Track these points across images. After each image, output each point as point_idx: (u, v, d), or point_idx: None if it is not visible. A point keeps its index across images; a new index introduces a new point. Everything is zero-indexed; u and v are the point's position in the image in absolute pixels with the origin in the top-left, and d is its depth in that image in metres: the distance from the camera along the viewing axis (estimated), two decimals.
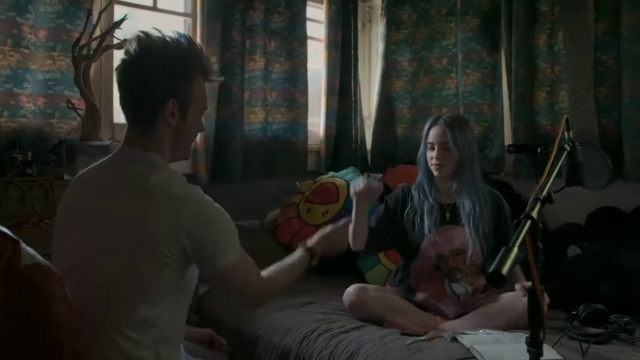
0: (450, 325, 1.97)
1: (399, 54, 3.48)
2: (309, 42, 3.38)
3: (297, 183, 3.11)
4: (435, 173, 2.13)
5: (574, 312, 1.95)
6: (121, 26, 2.42)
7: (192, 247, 1.24)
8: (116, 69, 1.30)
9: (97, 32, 2.46)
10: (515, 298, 1.94)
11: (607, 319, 1.90)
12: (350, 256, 2.73)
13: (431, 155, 2.12)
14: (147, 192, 1.23)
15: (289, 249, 2.82)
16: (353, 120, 3.59)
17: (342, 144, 3.56)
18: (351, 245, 2.12)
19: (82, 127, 2.42)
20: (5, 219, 1.99)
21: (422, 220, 2.10)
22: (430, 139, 2.13)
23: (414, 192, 2.18)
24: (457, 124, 2.11)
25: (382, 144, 3.51)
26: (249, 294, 1.39)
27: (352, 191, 2.15)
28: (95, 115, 2.41)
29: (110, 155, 1.37)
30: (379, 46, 3.58)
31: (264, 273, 1.43)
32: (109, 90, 2.65)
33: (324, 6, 3.47)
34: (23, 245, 1.09)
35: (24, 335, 1.03)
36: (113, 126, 2.71)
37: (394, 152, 3.46)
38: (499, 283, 0.88)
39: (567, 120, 1.42)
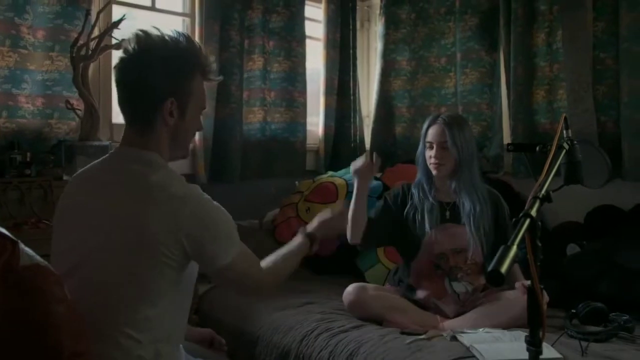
0: (450, 324, 1.97)
1: (397, 53, 3.48)
2: (308, 41, 3.38)
3: (296, 183, 3.11)
4: (434, 172, 2.13)
5: (574, 311, 1.96)
6: (119, 26, 2.42)
7: (191, 247, 1.24)
8: (115, 67, 1.30)
9: (96, 32, 2.45)
10: (514, 297, 1.95)
11: (606, 317, 1.91)
12: (349, 256, 2.74)
13: (430, 154, 2.12)
14: (146, 191, 1.23)
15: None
16: (352, 120, 3.59)
17: (341, 144, 3.56)
18: (349, 237, 2.12)
19: (81, 128, 2.42)
20: (4, 220, 1.99)
21: (422, 218, 2.10)
22: (429, 138, 2.13)
23: (414, 191, 2.18)
24: (456, 123, 2.11)
25: (381, 143, 3.51)
26: (249, 287, 1.41)
27: (352, 168, 2.13)
28: (94, 115, 2.40)
29: (109, 154, 1.37)
30: (377, 45, 3.58)
31: (264, 263, 1.44)
32: (108, 90, 2.65)
33: (322, 5, 3.47)
34: (22, 245, 1.08)
35: (24, 336, 1.03)
36: (112, 126, 2.71)
37: (392, 151, 3.45)
38: (498, 282, 0.88)
39: (565, 119, 1.42)
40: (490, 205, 2.13)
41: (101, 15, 2.50)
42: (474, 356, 1.64)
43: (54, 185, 2.20)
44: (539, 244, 1.06)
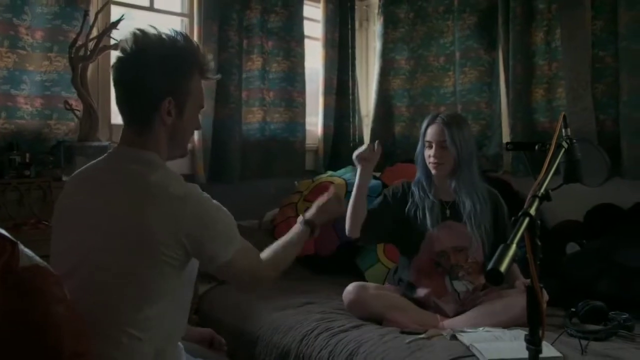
0: (449, 323, 1.97)
1: (396, 52, 3.48)
2: (306, 41, 3.38)
3: (296, 182, 3.11)
4: (433, 171, 2.13)
5: (573, 309, 1.96)
6: (118, 26, 2.42)
7: (191, 246, 1.24)
8: (112, 66, 1.30)
9: (94, 33, 2.45)
10: (514, 296, 1.95)
11: (606, 316, 1.91)
12: (349, 255, 2.74)
13: (429, 153, 2.12)
14: (145, 191, 1.23)
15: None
16: (351, 119, 3.59)
17: (340, 143, 3.56)
18: (347, 229, 2.13)
19: (80, 128, 2.42)
20: (4, 221, 1.99)
21: (424, 216, 2.10)
22: (428, 137, 2.13)
23: (414, 189, 2.18)
24: (455, 122, 2.11)
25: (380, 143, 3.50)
26: (249, 282, 1.41)
27: (355, 154, 2.12)
28: (92, 116, 2.40)
29: (107, 153, 1.36)
30: (376, 45, 3.58)
31: (264, 255, 1.45)
32: (107, 90, 2.64)
33: (321, 5, 3.47)
34: (21, 246, 1.08)
35: (24, 337, 1.03)
36: (111, 127, 2.71)
37: (392, 150, 3.46)
38: (497, 280, 0.88)
39: (564, 117, 1.42)
40: (489, 205, 2.13)
41: (99, 16, 2.49)
42: (473, 355, 1.64)
43: (53, 186, 2.20)
44: (539, 243, 1.06)
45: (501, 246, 0.93)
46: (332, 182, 2.95)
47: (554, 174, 1.20)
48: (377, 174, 3.03)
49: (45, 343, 1.05)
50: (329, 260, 2.80)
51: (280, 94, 3.26)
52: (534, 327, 1.05)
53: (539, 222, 1.06)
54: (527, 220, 1.00)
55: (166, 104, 1.27)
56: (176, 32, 1.30)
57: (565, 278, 2.26)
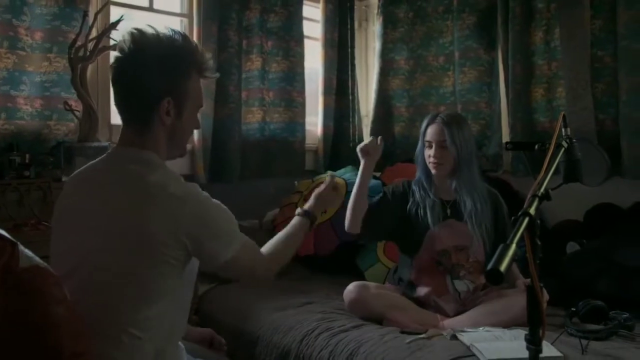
0: (450, 323, 1.97)
1: (395, 52, 3.48)
2: (306, 41, 3.38)
3: (296, 182, 3.11)
4: (434, 171, 2.13)
5: (574, 309, 1.96)
6: (117, 27, 2.42)
7: (192, 246, 1.25)
8: (110, 66, 1.30)
9: (94, 34, 2.45)
10: (514, 295, 1.95)
11: (606, 316, 1.91)
12: (349, 255, 2.74)
13: (429, 153, 2.12)
14: (144, 192, 1.22)
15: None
16: (351, 119, 3.59)
17: (340, 143, 3.56)
18: (347, 224, 2.13)
19: (80, 129, 2.42)
20: (4, 221, 1.99)
21: (425, 214, 2.10)
22: (428, 137, 2.13)
23: (415, 188, 2.18)
24: (455, 122, 2.11)
25: None
26: (251, 278, 1.44)
27: (359, 148, 2.13)
28: (92, 116, 2.40)
29: (106, 154, 1.36)
30: (375, 45, 3.58)
31: (266, 249, 1.46)
32: (106, 91, 2.64)
33: (320, 5, 3.47)
34: (21, 247, 1.08)
35: (23, 337, 1.03)
36: (111, 127, 2.71)
37: (392, 150, 3.45)
38: (497, 280, 0.88)
39: (564, 117, 1.42)
40: (489, 204, 2.14)
41: (99, 17, 2.49)
42: (474, 355, 1.64)
43: (53, 186, 2.20)
44: (538, 243, 1.06)
45: (501, 246, 0.92)
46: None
47: (554, 173, 1.20)
48: (377, 174, 3.03)
49: (45, 343, 1.05)
50: (329, 260, 2.80)
51: (280, 94, 3.26)
52: (534, 326, 1.05)
53: (538, 221, 1.06)
54: (526, 219, 1.00)
55: (165, 104, 1.27)
56: (174, 31, 1.30)
57: (565, 277, 2.26)
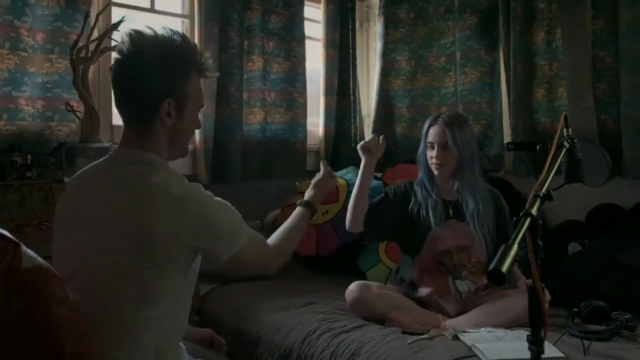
0: (451, 323, 1.97)
1: (397, 53, 3.48)
2: (307, 42, 3.38)
3: (297, 183, 3.11)
4: (436, 172, 2.13)
5: (576, 310, 1.95)
6: (119, 28, 2.42)
7: (198, 246, 1.26)
8: (110, 68, 1.31)
9: (95, 34, 2.46)
10: (516, 296, 1.95)
11: (608, 316, 1.90)
12: (350, 255, 2.74)
13: (431, 154, 2.13)
14: (147, 193, 1.23)
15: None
16: (352, 120, 3.59)
17: (341, 144, 3.56)
18: (348, 223, 2.13)
19: (81, 130, 2.42)
20: (6, 222, 1.99)
21: (427, 215, 2.10)
22: (430, 138, 2.13)
23: (417, 188, 2.18)
24: (457, 122, 2.11)
25: None
26: (257, 269, 1.48)
27: (360, 145, 2.13)
28: (94, 117, 2.41)
29: (108, 155, 1.37)
30: (377, 45, 3.58)
31: (271, 241, 1.50)
32: (108, 92, 2.65)
33: (321, 6, 3.47)
34: (23, 247, 1.09)
35: (25, 337, 1.04)
36: (112, 128, 2.71)
37: (393, 151, 3.45)
38: (499, 281, 0.88)
39: (565, 117, 1.42)
40: (491, 205, 2.14)
41: (100, 17, 2.50)
42: (475, 356, 1.64)
43: (54, 187, 2.20)
44: (540, 243, 1.06)
45: (503, 246, 0.92)
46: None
47: (556, 174, 1.20)
48: (379, 174, 3.03)
49: (46, 343, 1.05)
50: (330, 261, 2.81)
51: (281, 95, 3.26)
52: (536, 327, 1.05)
53: (540, 222, 1.06)
54: (528, 220, 1.00)
55: (166, 105, 1.27)
56: (173, 31, 1.30)
57: (567, 278, 2.26)
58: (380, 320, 2.02)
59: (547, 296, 1.70)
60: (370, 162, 2.12)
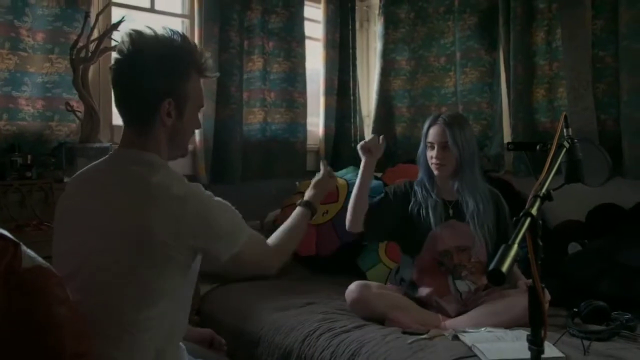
0: (451, 323, 1.97)
1: (397, 53, 3.48)
2: (307, 41, 3.38)
3: (297, 183, 3.11)
4: (436, 172, 2.13)
5: (575, 310, 1.95)
6: (119, 28, 2.42)
7: (198, 246, 1.26)
8: (110, 68, 1.31)
9: (95, 34, 2.46)
10: (516, 296, 1.95)
11: (608, 316, 1.90)
12: (350, 255, 2.74)
13: (431, 154, 2.13)
14: (147, 193, 1.23)
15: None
16: (352, 120, 3.59)
17: (341, 143, 3.56)
18: (348, 223, 2.13)
19: (81, 130, 2.42)
20: (6, 222, 1.99)
21: (427, 215, 2.10)
22: (430, 138, 2.13)
23: (417, 188, 2.18)
24: (457, 122, 2.11)
25: None
26: (257, 269, 1.50)
27: (360, 145, 2.13)
28: (94, 117, 2.41)
29: (108, 155, 1.37)
30: (377, 45, 3.58)
31: (271, 241, 1.51)
32: (108, 92, 2.65)
33: (321, 6, 3.47)
34: (23, 247, 1.09)
35: (25, 337, 1.04)
36: (112, 128, 2.71)
37: (393, 151, 3.45)
38: (499, 281, 0.88)
39: (565, 117, 1.42)
40: (491, 205, 2.14)
41: (100, 17, 2.50)
42: (475, 356, 1.64)
43: (54, 187, 2.20)
44: (540, 243, 1.06)
45: (503, 246, 0.92)
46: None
47: (556, 174, 1.20)
48: (379, 174, 3.03)
49: (46, 343, 1.05)
50: (330, 261, 2.81)
51: (281, 95, 3.26)
52: (536, 327, 1.05)
53: (540, 222, 1.06)
54: (528, 220, 1.00)
55: (166, 105, 1.27)
56: (172, 31, 1.30)
57: (567, 278, 2.26)
58: (380, 320, 2.02)
59: (547, 296, 1.70)
60: (370, 162, 2.12)
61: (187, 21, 3.05)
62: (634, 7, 2.47)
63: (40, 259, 1.11)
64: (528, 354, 1.06)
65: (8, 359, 1.02)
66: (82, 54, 2.36)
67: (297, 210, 1.66)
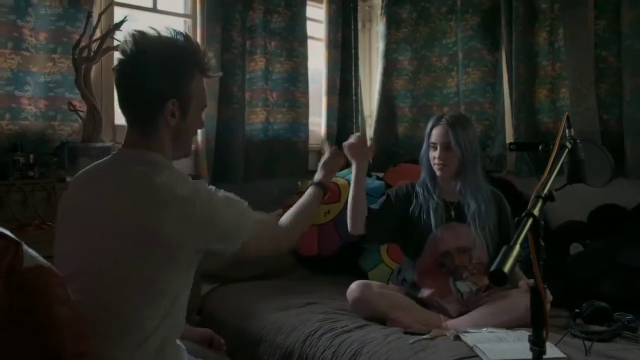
0: (453, 323, 1.97)
1: (399, 52, 3.48)
2: (309, 41, 3.38)
3: (299, 183, 3.11)
4: (438, 173, 2.13)
5: (577, 310, 1.95)
6: (121, 28, 2.43)
7: (203, 246, 1.26)
8: (113, 68, 1.31)
9: (97, 34, 2.46)
10: (517, 296, 1.94)
11: (610, 317, 1.90)
12: (352, 256, 2.74)
13: (434, 155, 2.12)
14: (151, 193, 1.22)
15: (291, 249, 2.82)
16: (354, 120, 3.59)
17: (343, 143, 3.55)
18: (349, 226, 2.13)
19: (84, 129, 2.42)
20: (8, 222, 1.99)
21: (428, 217, 2.10)
22: (433, 138, 2.13)
23: (419, 190, 2.18)
24: (459, 123, 2.11)
25: (383, 143, 3.50)
26: (267, 253, 1.47)
27: (345, 150, 2.12)
28: (96, 117, 2.41)
29: (111, 155, 1.37)
30: (379, 45, 3.58)
31: (284, 220, 1.53)
32: (110, 91, 2.65)
33: (323, 6, 3.47)
34: (25, 247, 1.09)
35: (26, 337, 1.04)
36: (114, 128, 2.71)
37: (395, 151, 3.46)
38: (501, 281, 0.88)
39: (568, 117, 1.42)
40: (493, 206, 2.13)
41: (103, 17, 2.50)
42: (477, 356, 1.63)
43: (57, 187, 2.21)
44: (542, 244, 1.05)
45: (504, 247, 0.92)
46: (335, 183, 2.96)
47: (558, 174, 1.20)
48: (380, 175, 3.03)
49: (47, 343, 1.05)
50: (332, 261, 2.81)
51: (283, 95, 3.26)
52: (537, 327, 1.04)
53: (542, 222, 1.06)
54: (530, 220, 1.00)
55: (170, 106, 1.27)
56: (175, 32, 1.30)
57: (569, 279, 2.25)
58: (382, 320, 2.02)
59: (549, 297, 1.70)
60: (360, 167, 2.11)
61: (189, 21, 3.05)
62: (637, 7, 2.46)
63: (41, 259, 1.11)
64: (529, 355, 1.06)
65: (9, 358, 1.02)
66: (85, 54, 2.37)
67: (309, 190, 1.67)
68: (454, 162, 2.10)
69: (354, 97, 3.58)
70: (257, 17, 3.16)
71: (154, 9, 2.91)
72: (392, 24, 3.48)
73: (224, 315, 2.31)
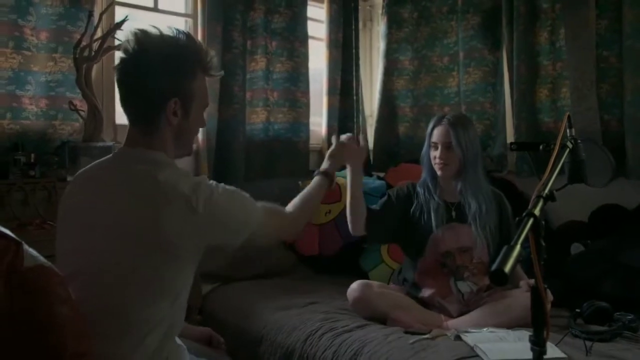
0: (453, 323, 1.97)
1: (400, 52, 3.48)
2: (310, 41, 3.38)
3: (300, 183, 3.10)
4: (439, 172, 2.13)
5: (578, 310, 1.95)
6: (122, 27, 2.43)
7: (206, 244, 1.26)
8: (115, 67, 1.30)
9: (99, 34, 2.46)
10: (518, 296, 1.94)
11: (611, 317, 1.90)
12: (353, 255, 2.74)
13: (435, 154, 2.12)
14: (153, 191, 1.22)
15: (292, 248, 2.82)
16: (355, 119, 3.59)
17: None
18: (350, 227, 2.13)
19: (85, 129, 2.42)
20: (9, 221, 1.99)
21: (429, 217, 2.10)
22: (434, 138, 2.13)
23: (420, 190, 2.18)
24: (461, 123, 2.11)
25: (384, 143, 3.51)
26: (274, 240, 1.53)
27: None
28: (97, 116, 2.41)
29: (112, 154, 1.37)
30: (380, 45, 3.58)
31: (289, 208, 1.56)
32: (111, 91, 2.65)
33: (324, 5, 3.47)
34: (25, 247, 1.09)
35: (27, 336, 1.04)
36: (115, 127, 2.71)
37: (396, 150, 3.46)
38: (502, 281, 0.88)
39: (569, 117, 1.42)
40: (494, 206, 2.13)
41: (104, 17, 2.50)
42: (477, 356, 1.63)
43: (58, 186, 2.21)
44: (543, 244, 1.05)
45: (505, 247, 0.92)
46: (336, 183, 2.95)
47: (559, 174, 1.20)
48: (381, 174, 3.03)
49: (48, 343, 1.05)
50: (333, 261, 2.81)
51: (284, 94, 3.26)
52: (538, 327, 1.04)
53: (543, 222, 1.06)
54: (531, 220, 1.00)
55: (172, 105, 1.27)
56: (178, 31, 1.30)
57: (569, 279, 2.25)
58: (382, 319, 2.02)
59: (550, 297, 1.70)
60: (355, 170, 2.10)
61: (190, 20, 3.05)
62: (638, 7, 2.46)
63: (42, 258, 1.11)
64: (530, 355, 1.06)
65: (9, 358, 1.02)
66: (86, 53, 2.37)
67: (315, 179, 1.70)
68: (455, 162, 2.10)
69: (354, 97, 3.58)
70: (258, 17, 3.15)
71: (155, 9, 2.91)
72: (393, 23, 3.48)
73: (225, 315, 2.31)
